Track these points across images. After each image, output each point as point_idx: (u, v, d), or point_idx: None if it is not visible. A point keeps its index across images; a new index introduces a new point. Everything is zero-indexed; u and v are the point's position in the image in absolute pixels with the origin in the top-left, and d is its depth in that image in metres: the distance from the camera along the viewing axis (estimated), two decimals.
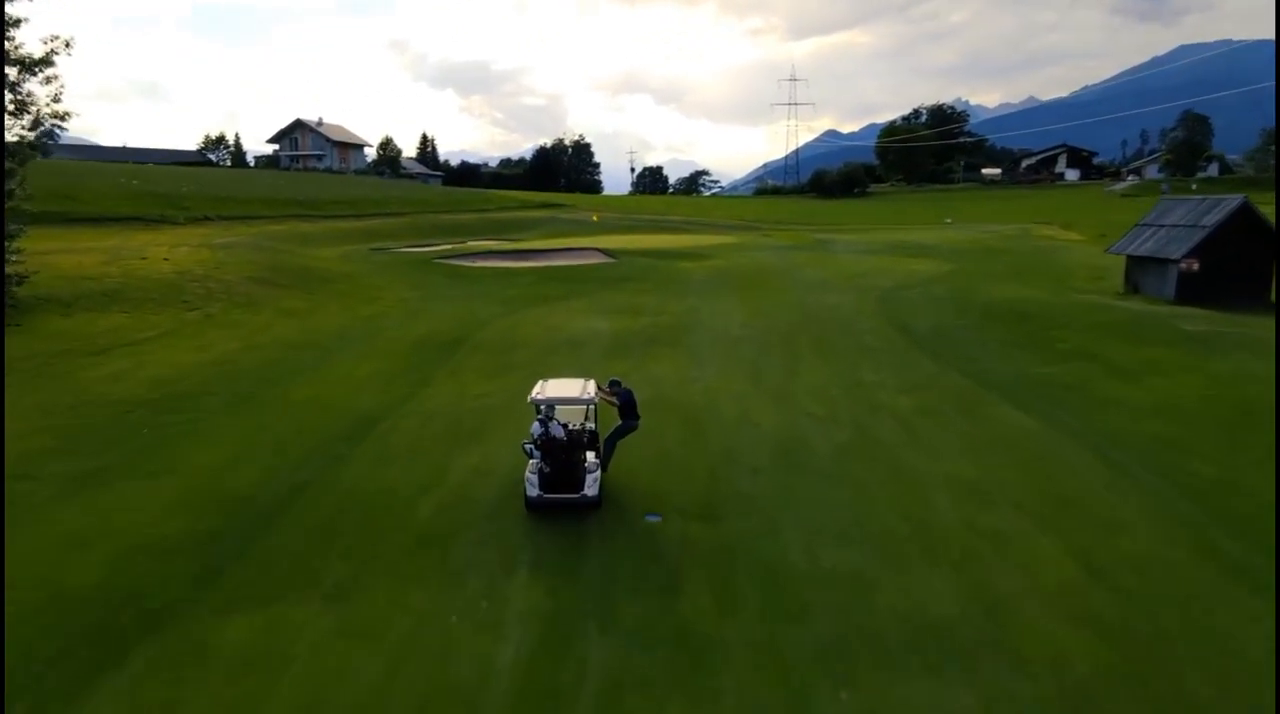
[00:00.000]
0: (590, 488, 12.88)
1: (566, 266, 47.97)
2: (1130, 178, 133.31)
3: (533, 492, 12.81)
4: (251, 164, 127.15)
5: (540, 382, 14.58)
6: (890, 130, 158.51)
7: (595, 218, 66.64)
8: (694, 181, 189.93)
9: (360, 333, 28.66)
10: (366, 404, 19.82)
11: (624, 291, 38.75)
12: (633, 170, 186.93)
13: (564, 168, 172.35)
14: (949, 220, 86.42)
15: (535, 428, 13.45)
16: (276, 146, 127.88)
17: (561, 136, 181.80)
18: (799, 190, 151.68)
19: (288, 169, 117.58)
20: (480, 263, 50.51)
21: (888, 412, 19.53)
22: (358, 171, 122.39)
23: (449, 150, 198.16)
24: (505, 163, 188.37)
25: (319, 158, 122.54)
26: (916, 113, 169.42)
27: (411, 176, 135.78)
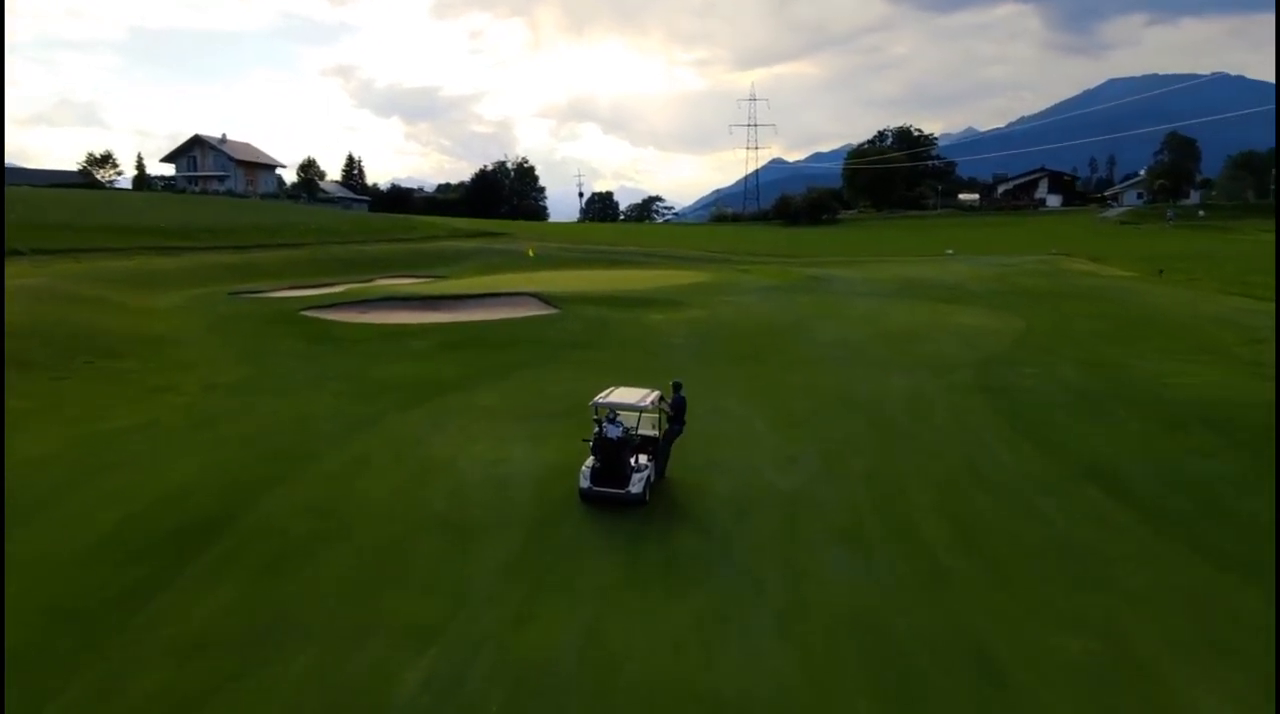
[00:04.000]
0: (635, 486, 13.46)
1: (488, 322, 34.19)
2: (1113, 204, 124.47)
3: (584, 484, 13.65)
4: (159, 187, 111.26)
5: (610, 388, 15.32)
6: (858, 153, 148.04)
7: (531, 253, 53.10)
8: (646, 208, 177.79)
9: (41, 486, 14.50)
10: None
11: (567, 370, 25.17)
12: (581, 195, 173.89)
13: (506, 193, 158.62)
14: (950, 251, 74.72)
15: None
16: (173, 166, 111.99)
17: (504, 159, 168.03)
18: (761, 217, 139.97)
19: (183, 192, 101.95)
20: (368, 316, 36.43)
21: None
22: (265, 196, 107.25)
23: (395, 177, 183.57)
24: (443, 188, 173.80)
25: (221, 179, 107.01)
26: (882, 135, 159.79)
27: (333, 201, 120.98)
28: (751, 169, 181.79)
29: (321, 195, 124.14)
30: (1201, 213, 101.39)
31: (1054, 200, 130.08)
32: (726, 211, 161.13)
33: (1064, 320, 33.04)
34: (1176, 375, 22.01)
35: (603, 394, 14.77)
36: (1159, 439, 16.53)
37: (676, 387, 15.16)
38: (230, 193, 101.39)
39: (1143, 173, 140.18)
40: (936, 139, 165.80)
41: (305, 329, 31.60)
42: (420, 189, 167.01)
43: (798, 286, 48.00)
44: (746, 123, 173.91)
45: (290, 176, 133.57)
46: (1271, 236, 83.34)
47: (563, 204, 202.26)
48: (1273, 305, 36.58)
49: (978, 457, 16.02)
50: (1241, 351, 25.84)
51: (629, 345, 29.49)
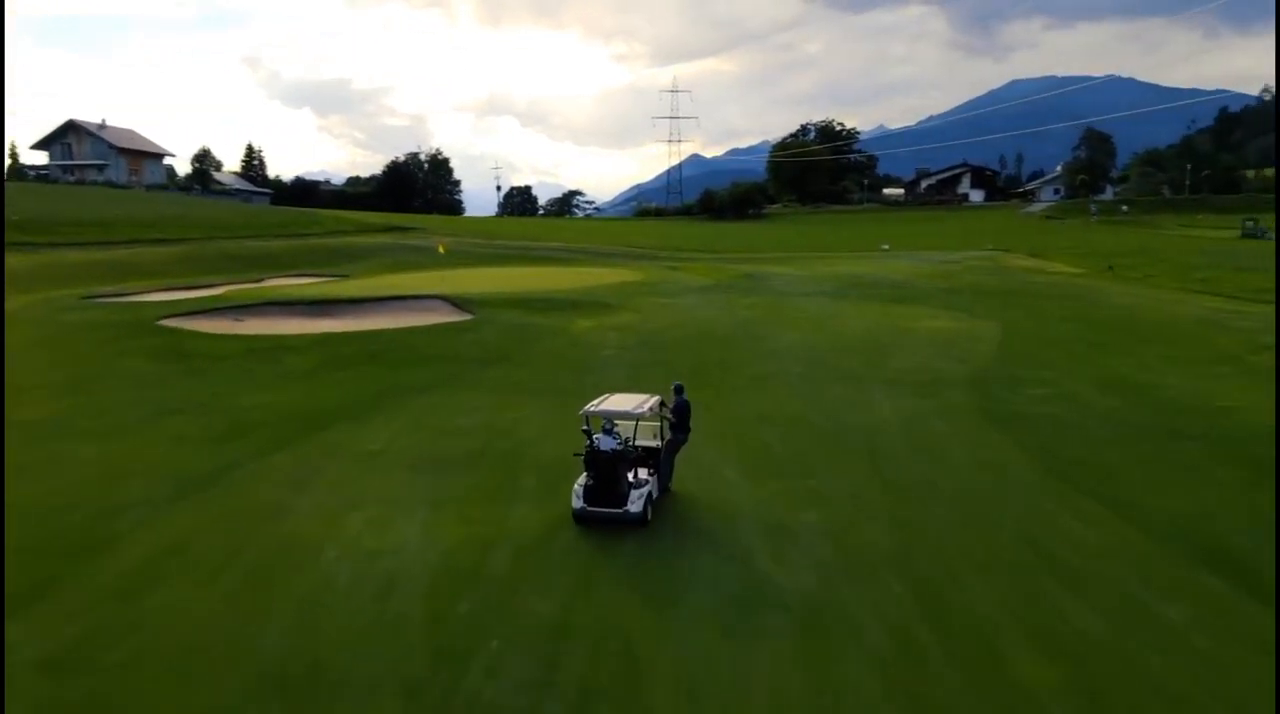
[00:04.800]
0: (633, 505, 12.00)
1: (389, 332, 29.08)
2: (1035, 199, 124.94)
3: (577, 504, 12.29)
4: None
5: (604, 395, 13.76)
6: (782, 147, 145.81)
7: (442, 249, 47.88)
8: (567, 202, 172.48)
9: None
10: None
11: (480, 395, 20.43)
12: (499, 189, 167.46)
13: (419, 186, 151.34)
14: (886, 246, 72.11)
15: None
16: (46, 154, 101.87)
17: (417, 150, 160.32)
18: (685, 212, 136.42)
19: (56, 182, 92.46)
20: (243, 325, 30.90)
21: None
22: (152, 187, 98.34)
23: (308, 171, 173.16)
24: (353, 181, 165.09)
25: (100, 168, 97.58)
26: (805, 129, 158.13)
27: (230, 194, 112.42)
28: (674, 163, 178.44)
29: (217, 188, 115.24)
30: (1124, 208, 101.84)
31: (977, 195, 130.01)
32: (650, 206, 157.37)
33: (1040, 324, 29.73)
34: (1219, 396, 18.56)
35: (595, 402, 13.33)
36: (1265, 495, 12.73)
37: (678, 390, 13.74)
38: (110, 183, 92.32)
39: (1059, 169, 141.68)
40: (859, 134, 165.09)
41: (158, 343, 25.98)
42: (328, 182, 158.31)
43: (736, 286, 44.04)
44: (669, 115, 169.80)
45: (184, 167, 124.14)
46: (1196, 232, 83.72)
47: (480, 199, 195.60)
48: (1249, 305, 34.20)
49: (1033, 525, 11.97)
50: (1258, 361, 22.70)
51: (554, 359, 24.86)
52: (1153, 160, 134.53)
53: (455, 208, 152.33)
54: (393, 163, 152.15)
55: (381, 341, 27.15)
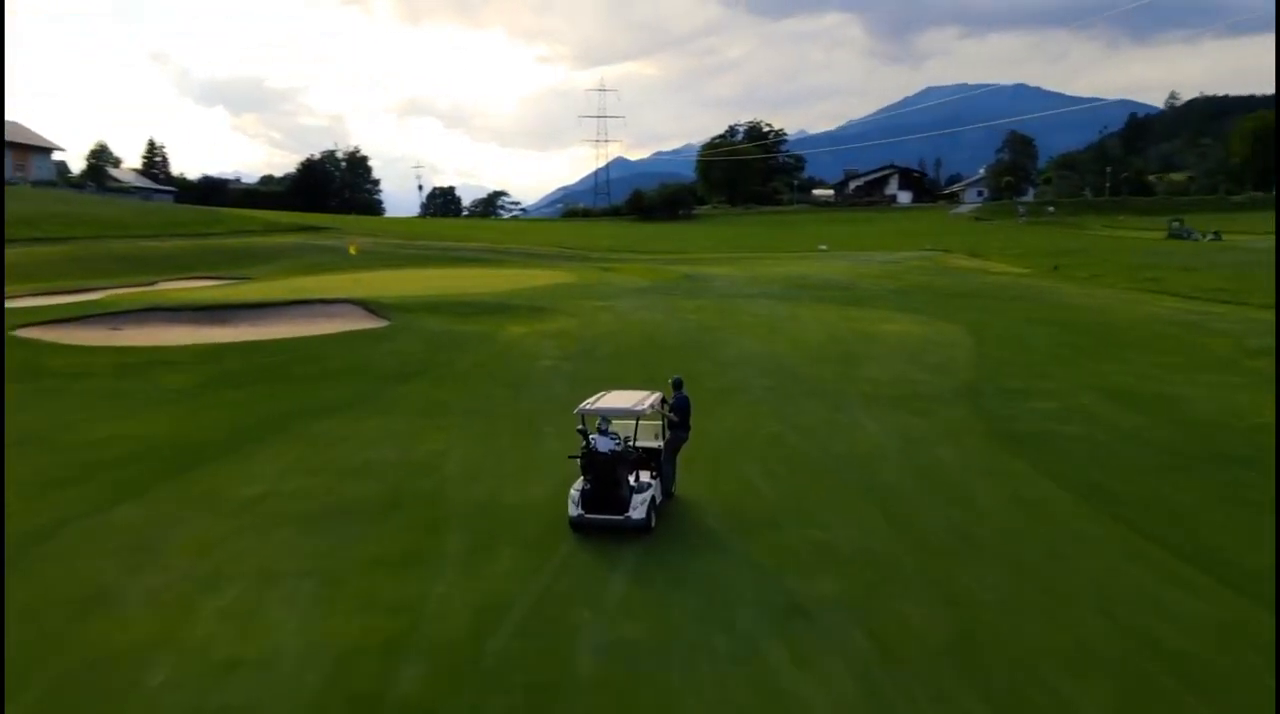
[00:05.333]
0: (636, 510, 11.16)
1: (286, 342, 25.34)
2: (962, 201, 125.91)
3: (574, 511, 11.33)
4: None
5: (600, 392, 12.77)
6: (711, 147, 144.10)
7: (352, 250, 43.82)
8: (491, 203, 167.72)
9: None
10: None
11: (394, 418, 17.07)
12: (420, 188, 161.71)
13: (336, 185, 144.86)
14: (824, 247, 70.35)
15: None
16: None
17: (333, 148, 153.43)
18: (614, 212, 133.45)
19: None
20: (120, 335, 26.74)
21: None
22: (39, 183, 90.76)
23: (222, 171, 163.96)
24: (266, 179, 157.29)
25: None
26: (733, 130, 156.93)
27: (128, 192, 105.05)
28: (600, 164, 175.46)
29: (114, 185, 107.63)
30: (1051, 209, 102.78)
31: (904, 197, 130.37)
32: (578, 207, 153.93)
33: (1009, 327, 27.63)
34: (1245, 410, 16.39)
35: (591, 399, 12.54)
36: None
37: (677, 385, 12.99)
38: None
39: (981, 171, 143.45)
40: (787, 135, 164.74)
41: (9, 358, 21.73)
42: (238, 180, 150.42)
43: (677, 288, 41.23)
44: (596, 114, 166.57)
45: (78, 164, 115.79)
46: (1121, 232, 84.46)
47: (401, 200, 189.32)
48: (1212, 306, 32.90)
49: (1112, 592, 9.28)
50: (1257, 366, 20.81)
51: (483, 373, 21.57)
52: (1069, 164, 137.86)
53: (374, 208, 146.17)
54: (307, 161, 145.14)
55: (280, 354, 23.44)
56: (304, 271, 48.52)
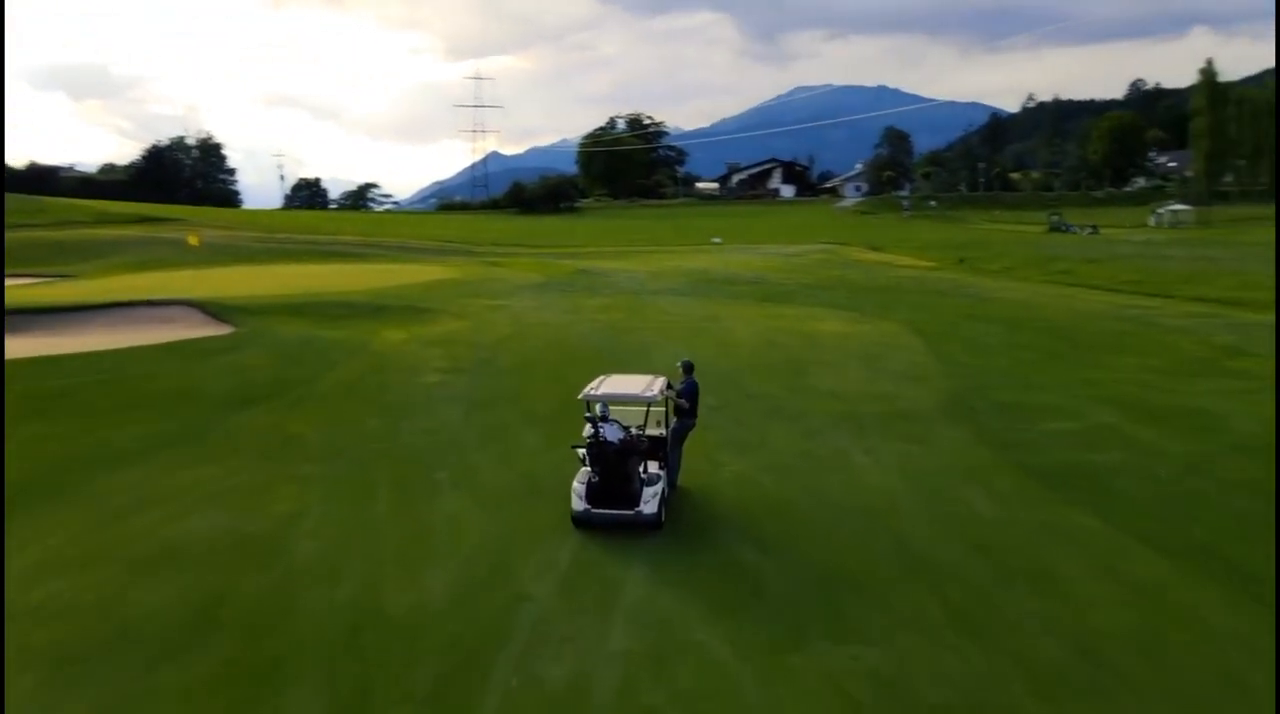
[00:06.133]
0: (647, 505, 10.32)
1: (96, 356, 19.93)
2: (844, 195, 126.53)
3: (579, 506, 10.44)
4: None
5: (600, 377, 11.59)
6: (592, 139, 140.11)
7: (193, 241, 37.58)
8: (361, 195, 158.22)
9: None
10: None
11: (220, 468, 12.42)
12: (283, 179, 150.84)
13: (187, 175, 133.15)
14: (718, 240, 67.53)
15: (588, 430, 10.81)
16: None
17: (183, 135, 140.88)
18: (493, 206, 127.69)
19: None
20: None
21: None
22: None
23: (59, 160, 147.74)
24: (106, 168, 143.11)
25: None
26: (613, 122, 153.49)
27: None
28: (478, 156, 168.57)
29: None
30: (933, 203, 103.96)
31: (788, 190, 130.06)
32: (455, 199, 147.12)
33: (953, 326, 24.91)
34: None
35: (593, 384, 11.28)
36: None
37: (687, 368, 11.80)
38: None
39: (859, 166, 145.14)
40: (667, 128, 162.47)
41: None
42: (71, 168, 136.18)
43: (573, 284, 37.21)
44: (473, 104, 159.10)
45: None
46: (1002, 226, 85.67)
47: (263, 193, 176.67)
48: (1142, 299, 31.41)
49: None
50: (1244, 367, 18.57)
51: (351, 394, 17.01)
52: (937, 161, 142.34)
53: (230, 200, 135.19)
54: (153, 147, 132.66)
55: (79, 373, 18.13)
56: (137, 268, 42.00)
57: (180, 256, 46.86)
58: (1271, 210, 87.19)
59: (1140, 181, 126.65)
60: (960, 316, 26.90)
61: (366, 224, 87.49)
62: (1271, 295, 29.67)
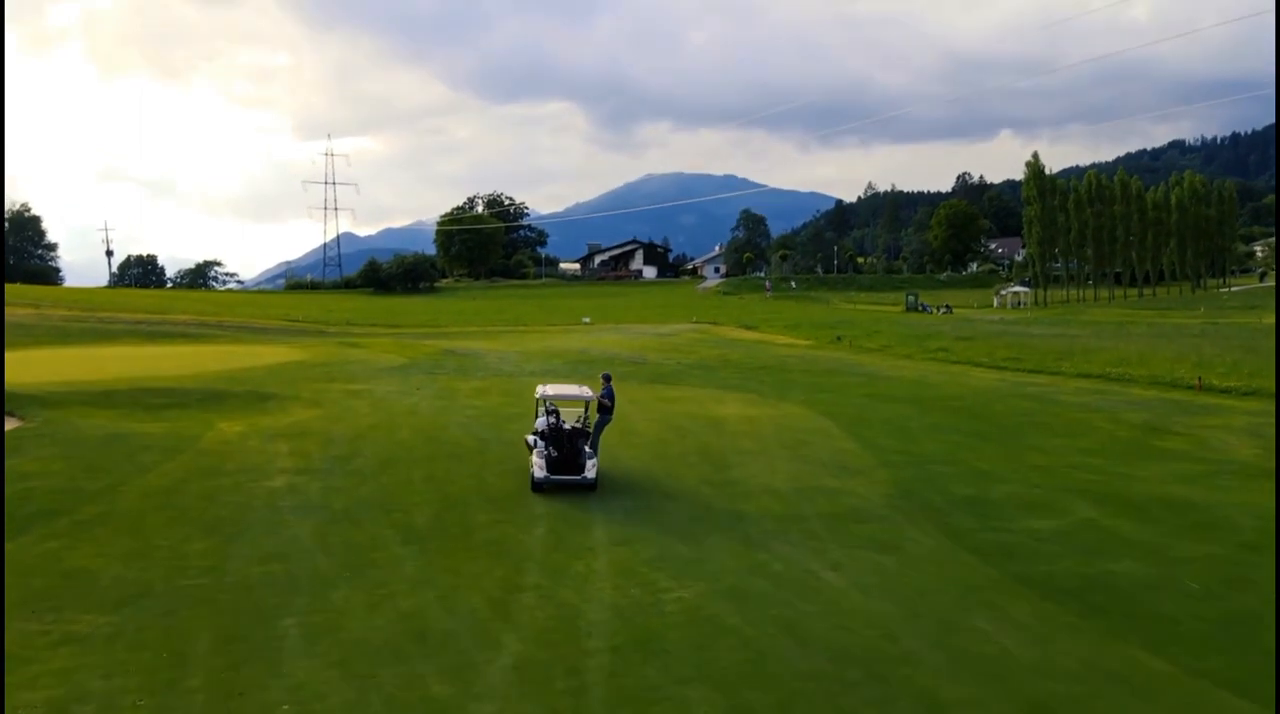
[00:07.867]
0: (589, 471, 14.18)
1: None
2: (705, 276, 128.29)
3: (540, 474, 14.06)
4: None
5: (541, 385, 16.73)
6: (451, 220, 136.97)
7: None
8: (202, 273, 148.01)
9: None
10: None
11: None
12: (110, 254, 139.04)
13: None
14: (587, 319, 65.42)
15: (541, 421, 15.05)
16: None
17: None
18: (346, 285, 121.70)
19: None
20: None
21: None
22: None
23: None
24: None
25: None
26: (471, 202, 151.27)
27: None
28: (330, 235, 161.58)
29: None
30: (793, 284, 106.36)
31: (650, 271, 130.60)
32: (305, 278, 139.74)
33: (864, 410, 23.32)
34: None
35: (547, 388, 16.24)
36: None
37: (606, 378, 15.83)
38: None
39: (718, 248, 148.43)
40: (527, 209, 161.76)
41: None
42: None
43: (442, 366, 33.95)
44: (324, 180, 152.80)
45: None
46: (861, 306, 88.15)
47: (91, 271, 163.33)
48: (1025, 376, 31.14)
49: None
50: (1179, 448, 17.59)
51: (168, 507, 13.29)
52: (788, 244, 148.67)
53: (50, 277, 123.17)
54: None
55: None
56: None
57: None
58: (1093, 292, 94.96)
59: (973, 266, 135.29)
60: (862, 396, 25.48)
61: (205, 303, 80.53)
62: (1143, 371, 30.12)
